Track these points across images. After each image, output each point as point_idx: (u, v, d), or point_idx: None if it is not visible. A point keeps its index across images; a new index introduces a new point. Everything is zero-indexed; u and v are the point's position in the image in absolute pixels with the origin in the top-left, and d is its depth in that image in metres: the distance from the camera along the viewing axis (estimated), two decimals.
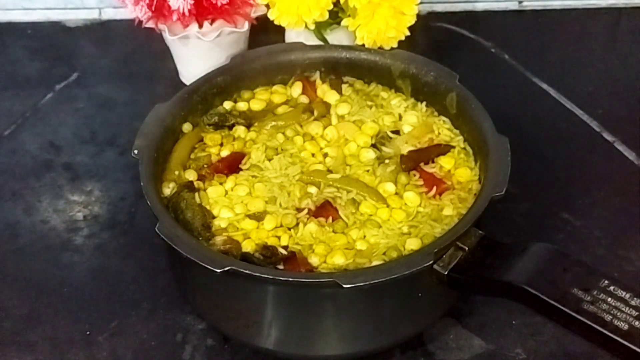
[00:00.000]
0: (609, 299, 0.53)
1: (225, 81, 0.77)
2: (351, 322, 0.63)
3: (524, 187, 0.79)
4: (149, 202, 0.62)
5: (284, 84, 0.80)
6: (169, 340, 0.68)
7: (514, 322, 0.69)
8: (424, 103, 0.77)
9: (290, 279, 0.58)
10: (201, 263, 0.58)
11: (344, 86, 0.79)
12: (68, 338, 0.69)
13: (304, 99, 0.78)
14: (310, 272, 0.62)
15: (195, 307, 0.69)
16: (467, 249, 0.60)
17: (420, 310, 0.65)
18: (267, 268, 0.61)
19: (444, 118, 0.75)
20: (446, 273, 0.59)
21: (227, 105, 0.77)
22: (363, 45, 0.82)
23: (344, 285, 0.56)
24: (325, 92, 0.79)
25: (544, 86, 0.94)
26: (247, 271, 0.58)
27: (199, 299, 0.67)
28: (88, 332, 0.69)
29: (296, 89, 0.79)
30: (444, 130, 0.74)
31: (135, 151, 0.66)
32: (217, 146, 0.73)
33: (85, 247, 0.77)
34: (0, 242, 0.77)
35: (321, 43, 0.85)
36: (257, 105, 0.77)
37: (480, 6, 1.06)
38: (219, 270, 0.57)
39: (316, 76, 0.80)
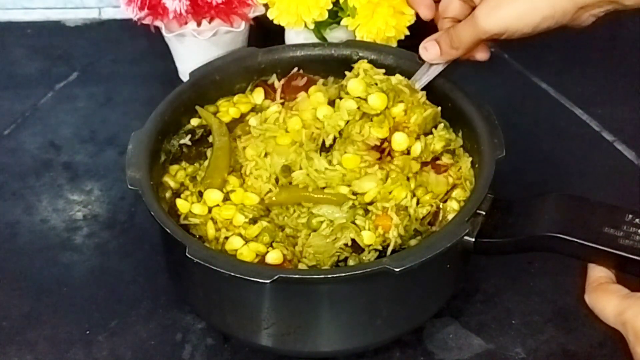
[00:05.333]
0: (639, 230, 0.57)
1: (190, 98, 0.75)
2: (391, 305, 0.63)
3: (524, 186, 0.79)
4: (168, 230, 0.61)
5: (243, 92, 0.78)
6: (169, 339, 0.68)
7: (513, 321, 0.69)
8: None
9: (343, 274, 0.58)
10: (248, 278, 0.57)
11: None
12: (68, 337, 0.69)
13: (269, 103, 0.76)
14: (358, 264, 0.63)
15: (196, 309, 0.69)
16: (484, 213, 0.62)
17: (448, 282, 0.67)
18: (315, 270, 0.62)
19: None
20: (474, 240, 0.61)
21: (195, 122, 0.75)
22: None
23: (396, 270, 0.57)
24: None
25: (544, 86, 0.94)
26: (296, 276, 0.59)
27: (204, 301, 0.66)
28: (88, 332, 0.69)
29: (258, 95, 0.77)
30: None
31: (131, 183, 0.65)
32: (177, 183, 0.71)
33: (85, 246, 0.77)
34: (0, 242, 0.77)
35: (272, 46, 0.81)
36: (225, 117, 0.75)
37: None
38: (268, 281, 0.57)
39: (274, 79, 0.78)
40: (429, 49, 0.69)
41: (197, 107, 0.74)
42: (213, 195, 0.68)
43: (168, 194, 0.69)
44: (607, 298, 0.56)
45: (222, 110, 0.76)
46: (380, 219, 0.65)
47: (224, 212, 0.67)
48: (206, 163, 0.71)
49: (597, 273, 0.58)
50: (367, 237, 0.64)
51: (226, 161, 0.70)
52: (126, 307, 0.71)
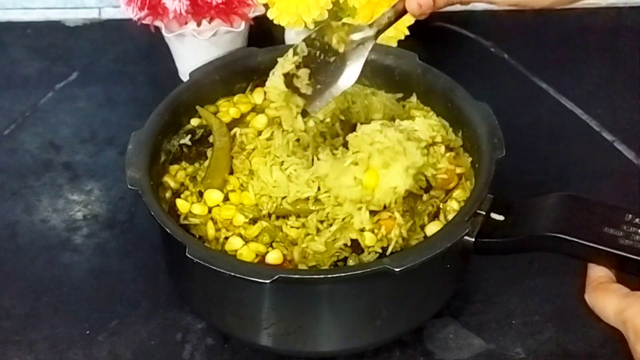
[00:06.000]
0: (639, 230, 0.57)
1: (189, 98, 0.75)
2: (391, 305, 0.63)
3: (524, 186, 0.79)
4: (168, 230, 0.61)
5: (243, 92, 0.78)
6: (169, 339, 0.68)
7: (513, 321, 0.69)
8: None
9: (343, 274, 0.59)
10: (248, 278, 0.57)
11: None
12: (68, 337, 0.69)
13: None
14: (358, 264, 0.63)
15: (196, 309, 0.69)
16: (484, 213, 0.62)
17: (448, 282, 0.67)
18: (315, 270, 0.62)
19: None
20: (474, 240, 0.61)
21: (195, 122, 0.75)
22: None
23: (396, 269, 0.57)
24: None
25: (544, 86, 0.94)
26: (296, 276, 0.59)
27: (204, 301, 0.67)
28: (88, 332, 0.69)
29: (259, 95, 0.77)
30: (413, 112, 0.75)
31: (131, 183, 0.65)
32: (177, 183, 0.71)
33: (84, 246, 0.77)
34: (0, 242, 0.77)
35: (272, 46, 0.80)
36: (225, 117, 0.75)
37: (480, 6, 1.06)
38: (268, 281, 0.57)
39: None
40: (423, 5, 0.64)
41: (198, 107, 0.74)
42: (213, 196, 0.68)
43: (168, 194, 0.69)
44: (607, 297, 0.56)
45: (222, 110, 0.76)
46: (385, 218, 0.65)
47: (223, 213, 0.67)
48: (206, 163, 0.71)
49: (597, 272, 0.58)
50: (369, 238, 0.64)
51: (226, 161, 0.70)
52: (126, 307, 0.71)
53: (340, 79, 0.65)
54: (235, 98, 0.77)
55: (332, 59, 0.65)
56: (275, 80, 0.66)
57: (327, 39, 0.65)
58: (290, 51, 0.66)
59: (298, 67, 0.66)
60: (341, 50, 0.65)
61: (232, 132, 0.73)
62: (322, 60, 0.66)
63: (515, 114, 0.87)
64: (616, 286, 0.56)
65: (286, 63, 0.66)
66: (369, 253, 0.64)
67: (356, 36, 0.65)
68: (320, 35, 0.65)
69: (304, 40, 0.66)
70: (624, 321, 0.54)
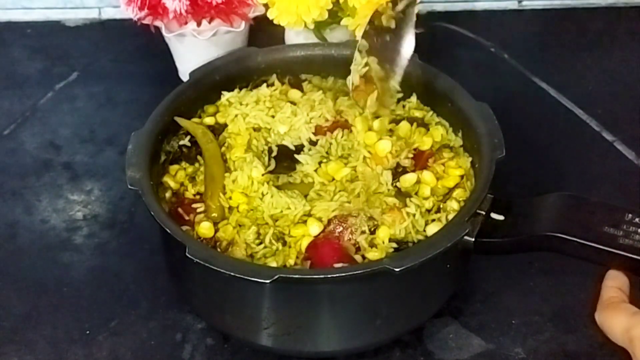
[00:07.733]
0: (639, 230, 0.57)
1: (189, 99, 0.75)
2: (391, 305, 0.63)
3: (524, 186, 0.79)
4: (168, 230, 0.61)
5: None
6: (169, 339, 0.68)
7: (513, 321, 0.69)
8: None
9: (343, 274, 0.58)
10: (248, 278, 0.57)
11: (303, 84, 0.79)
12: (67, 337, 0.69)
13: None
14: (358, 264, 0.62)
15: (196, 309, 0.69)
16: (484, 213, 0.62)
17: (448, 282, 0.67)
18: (315, 270, 0.62)
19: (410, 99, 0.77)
20: (474, 240, 0.61)
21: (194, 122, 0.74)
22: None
23: (396, 269, 0.57)
24: (288, 91, 0.77)
25: (544, 86, 0.94)
26: (296, 276, 0.59)
27: (204, 301, 0.66)
28: (87, 332, 0.69)
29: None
30: (413, 112, 0.75)
31: (131, 183, 0.65)
32: (177, 184, 0.70)
33: (84, 246, 0.77)
34: (0, 242, 0.77)
35: (272, 46, 0.81)
36: (224, 118, 0.75)
37: (480, 6, 1.06)
38: (268, 281, 0.57)
39: (274, 79, 0.78)
40: None
41: (176, 118, 0.73)
42: (204, 226, 0.66)
43: (168, 194, 0.69)
44: (615, 315, 0.55)
45: (222, 110, 0.76)
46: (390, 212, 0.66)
47: (227, 232, 0.66)
48: (202, 169, 0.71)
49: (609, 293, 0.57)
50: (383, 232, 0.65)
51: (220, 166, 0.70)
52: (126, 307, 0.71)
53: (402, 51, 0.71)
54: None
55: (388, 38, 0.71)
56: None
57: (378, 23, 0.71)
58: (357, 54, 0.71)
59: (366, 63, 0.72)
60: (392, 26, 0.71)
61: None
62: (381, 44, 0.71)
63: (515, 114, 0.87)
64: (625, 305, 0.56)
65: (359, 67, 0.71)
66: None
67: (399, 7, 0.70)
68: (372, 23, 0.71)
69: (363, 36, 0.71)
70: (632, 339, 0.53)
